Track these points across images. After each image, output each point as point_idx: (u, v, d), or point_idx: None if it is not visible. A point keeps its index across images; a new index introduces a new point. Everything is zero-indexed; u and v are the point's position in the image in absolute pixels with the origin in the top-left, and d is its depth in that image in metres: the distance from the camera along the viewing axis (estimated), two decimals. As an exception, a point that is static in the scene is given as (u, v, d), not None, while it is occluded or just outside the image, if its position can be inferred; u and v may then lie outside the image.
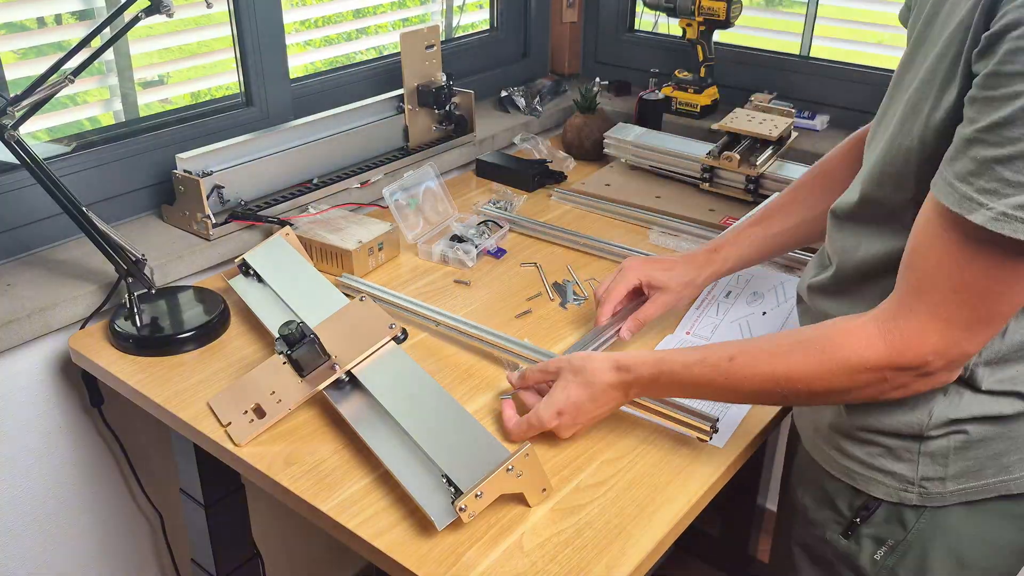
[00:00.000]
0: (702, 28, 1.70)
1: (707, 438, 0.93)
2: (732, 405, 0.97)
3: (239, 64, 1.44)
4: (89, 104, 1.37)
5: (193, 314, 1.16)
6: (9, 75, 1.18)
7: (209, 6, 1.08)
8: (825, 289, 0.91)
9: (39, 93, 1.01)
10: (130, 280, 1.14)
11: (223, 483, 1.17)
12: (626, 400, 0.93)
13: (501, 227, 1.40)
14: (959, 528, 0.85)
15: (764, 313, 1.11)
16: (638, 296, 1.13)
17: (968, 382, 0.80)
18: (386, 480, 0.90)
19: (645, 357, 0.90)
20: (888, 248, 0.81)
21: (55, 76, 1.01)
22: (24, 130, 1.04)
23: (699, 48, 1.73)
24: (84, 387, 1.22)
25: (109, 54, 1.31)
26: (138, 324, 1.13)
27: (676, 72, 1.78)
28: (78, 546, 1.33)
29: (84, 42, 1.01)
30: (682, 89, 1.77)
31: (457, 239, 1.36)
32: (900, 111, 0.80)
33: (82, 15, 1.31)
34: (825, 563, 0.93)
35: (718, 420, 0.92)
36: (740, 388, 0.84)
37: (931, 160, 0.73)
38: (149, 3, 1.01)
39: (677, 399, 0.94)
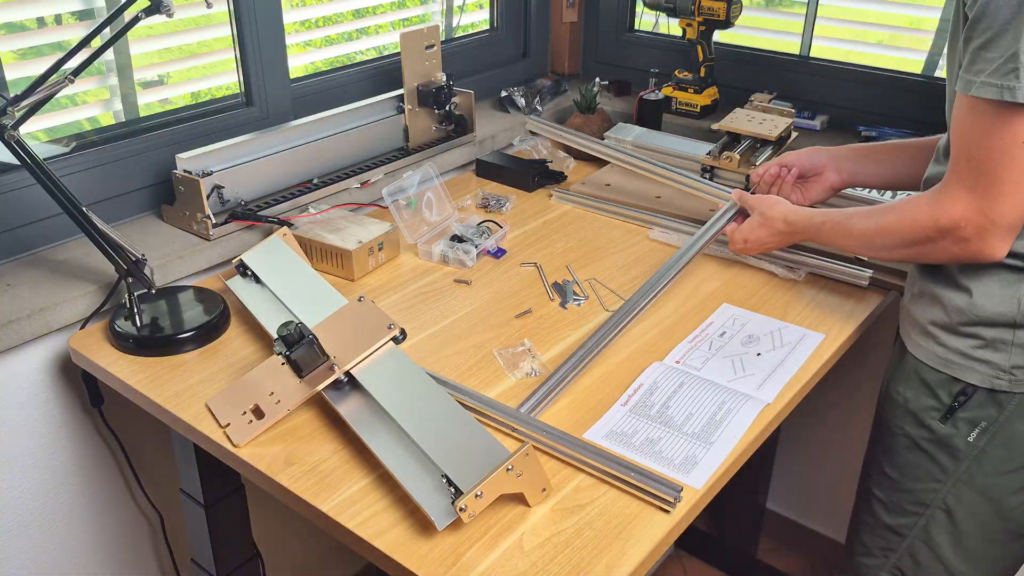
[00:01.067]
0: (702, 28, 1.70)
1: (669, 509, 0.86)
2: (712, 445, 0.95)
3: (239, 64, 1.44)
4: (89, 104, 1.37)
5: (193, 314, 1.16)
6: (9, 75, 1.18)
7: (209, 6, 1.08)
8: None
9: (39, 93, 1.01)
10: (130, 280, 1.14)
11: (223, 483, 1.17)
12: (792, 237, 1.19)
13: (501, 227, 1.41)
14: None
15: (759, 354, 1.10)
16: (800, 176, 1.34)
17: None
18: (386, 480, 0.90)
19: (803, 213, 1.17)
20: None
21: (55, 76, 1.01)
22: (24, 130, 1.04)
23: (699, 48, 1.73)
24: (84, 387, 1.22)
25: (109, 54, 1.31)
26: (138, 324, 1.13)
27: (676, 72, 1.78)
28: (78, 546, 1.33)
29: (84, 42, 1.01)
30: (682, 89, 1.77)
31: (457, 239, 1.36)
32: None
33: (82, 15, 1.31)
34: (921, 449, 1.07)
35: (681, 490, 0.87)
36: (854, 238, 1.08)
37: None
38: (149, 3, 1.01)
39: (637, 466, 0.89)
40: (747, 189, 1.38)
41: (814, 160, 1.31)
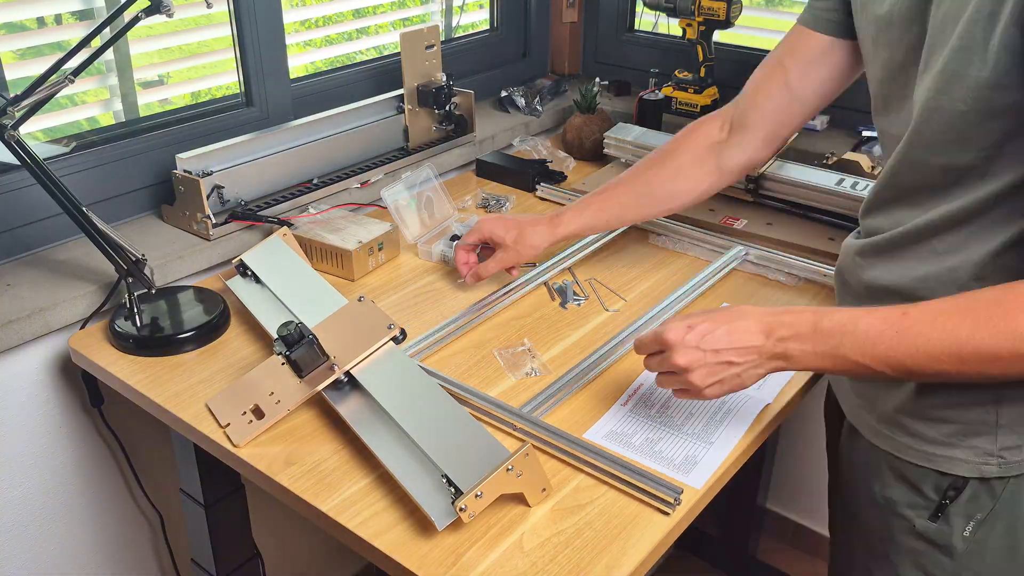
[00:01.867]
0: (702, 28, 1.70)
1: (669, 511, 0.85)
2: (712, 445, 0.93)
3: (239, 64, 1.44)
4: (89, 104, 1.37)
5: (193, 314, 1.16)
6: (9, 75, 1.18)
7: (209, 6, 1.08)
8: (879, 251, 0.89)
9: (39, 93, 1.01)
10: (130, 280, 1.14)
11: (223, 483, 1.17)
12: (764, 344, 0.82)
13: None
14: None
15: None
16: (490, 249, 1.23)
17: None
18: (386, 480, 0.90)
19: (801, 309, 0.83)
20: (955, 206, 0.80)
21: (55, 76, 1.01)
22: (24, 130, 1.04)
23: (699, 48, 1.73)
24: (84, 387, 1.22)
25: (109, 54, 1.31)
26: (138, 324, 1.13)
27: (676, 72, 1.78)
28: (78, 546, 1.33)
29: (84, 42, 1.01)
30: (682, 89, 1.77)
31: (457, 239, 1.36)
32: (933, 82, 0.79)
33: (82, 15, 1.31)
34: (912, 551, 0.91)
35: (681, 492, 0.85)
36: (914, 351, 0.75)
37: (993, 116, 0.75)
38: (149, 3, 1.01)
39: (637, 467, 0.88)
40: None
41: (507, 227, 1.19)
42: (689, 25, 1.71)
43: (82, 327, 1.17)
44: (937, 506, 0.88)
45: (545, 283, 1.28)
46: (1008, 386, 0.81)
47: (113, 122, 1.36)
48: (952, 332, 0.74)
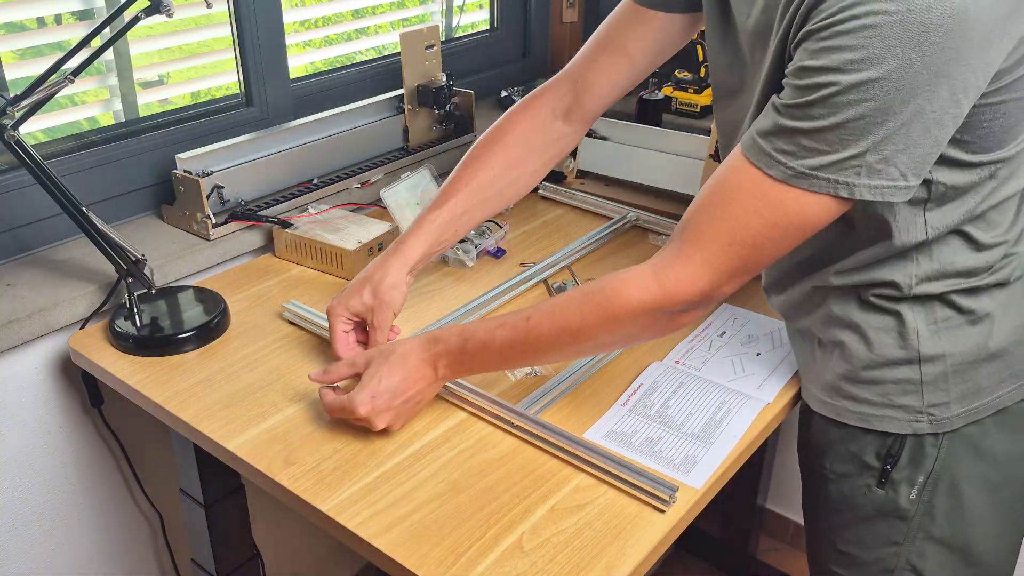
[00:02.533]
0: (703, 28, 1.69)
1: (664, 508, 0.86)
2: (712, 445, 0.94)
3: (239, 64, 1.44)
4: (89, 104, 1.37)
5: (193, 314, 1.16)
6: (9, 75, 1.18)
7: (209, 6, 1.08)
8: (767, 289, 1.06)
9: (39, 93, 1.01)
10: (130, 280, 1.14)
11: (223, 483, 1.17)
12: (436, 377, 0.94)
13: (501, 227, 1.40)
14: (977, 448, 0.92)
15: (759, 354, 1.09)
16: (363, 329, 1.08)
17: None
18: (386, 480, 0.90)
19: (451, 329, 0.94)
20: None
21: (55, 76, 1.01)
22: (24, 130, 1.04)
23: (699, 48, 1.73)
24: (84, 387, 1.22)
25: (109, 54, 1.31)
26: (138, 324, 1.13)
27: (676, 72, 1.78)
28: (78, 546, 1.33)
29: (84, 42, 1.01)
30: (682, 89, 1.77)
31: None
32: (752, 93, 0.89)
33: (82, 15, 1.31)
34: (869, 519, 0.97)
35: (677, 489, 0.86)
36: (540, 345, 0.89)
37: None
38: (149, 3, 1.01)
39: (634, 465, 0.89)
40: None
41: (365, 299, 1.05)
42: None
43: (82, 327, 1.17)
44: (881, 472, 0.94)
45: (544, 281, 1.28)
46: (926, 346, 0.89)
47: (113, 122, 1.36)
48: (565, 322, 0.87)
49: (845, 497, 0.99)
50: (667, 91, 1.78)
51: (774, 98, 0.77)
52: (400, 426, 0.96)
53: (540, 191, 1.59)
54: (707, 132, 1.65)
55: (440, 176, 1.43)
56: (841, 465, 0.98)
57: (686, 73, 1.77)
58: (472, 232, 1.37)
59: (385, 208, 1.37)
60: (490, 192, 1.11)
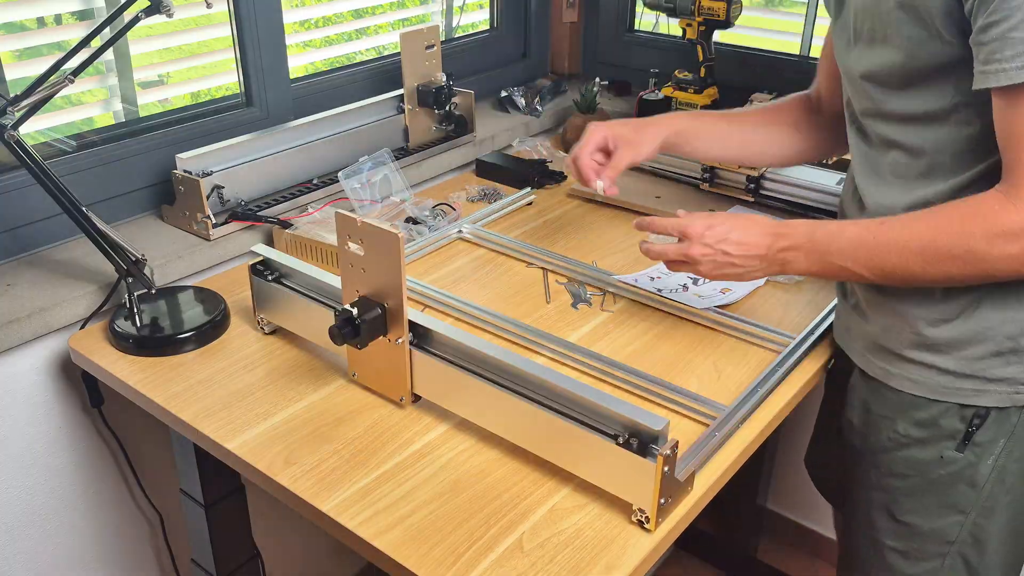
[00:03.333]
0: (702, 28, 1.69)
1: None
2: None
3: (239, 64, 1.44)
4: (89, 104, 1.37)
5: (193, 314, 1.16)
6: (9, 75, 1.18)
7: (209, 6, 1.08)
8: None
9: (39, 93, 1.01)
10: (130, 280, 1.14)
11: (223, 483, 1.17)
12: (767, 253, 0.94)
13: (454, 209, 1.43)
14: None
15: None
16: (607, 154, 1.18)
17: None
18: (386, 480, 0.90)
19: (800, 221, 0.95)
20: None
21: (54, 76, 1.01)
22: (23, 130, 1.04)
23: (699, 48, 1.73)
24: (84, 387, 1.22)
25: (109, 54, 1.31)
26: (138, 324, 1.13)
27: (676, 72, 1.78)
28: (78, 546, 1.33)
29: (84, 42, 1.01)
30: (682, 89, 1.77)
31: (412, 221, 1.38)
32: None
33: (82, 15, 1.31)
34: (937, 486, 0.96)
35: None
36: (888, 253, 0.86)
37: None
38: (149, 3, 1.01)
39: (682, 390, 0.93)
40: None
41: (622, 123, 1.18)
42: (689, 25, 1.71)
43: (82, 327, 1.17)
44: (964, 434, 0.92)
45: (546, 286, 1.28)
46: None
47: (113, 122, 1.36)
48: (918, 235, 0.84)
49: (916, 462, 0.97)
50: (667, 91, 1.78)
51: (972, 37, 0.78)
52: (714, 278, 0.98)
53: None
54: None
55: (442, 176, 1.43)
56: (915, 430, 0.96)
57: (686, 73, 1.77)
58: (427, 214, 1.40)
59: (387, 206, 1.37)
60: (744, 151, 1.20)
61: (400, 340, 0.96)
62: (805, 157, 1.22)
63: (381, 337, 0.97)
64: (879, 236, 0.87)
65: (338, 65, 1.67)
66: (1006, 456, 0.93)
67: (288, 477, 0.91)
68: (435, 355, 0.96)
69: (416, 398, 1.01)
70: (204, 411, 1.01)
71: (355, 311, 0.93)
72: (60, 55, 1.01)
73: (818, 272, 0.93)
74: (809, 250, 0.92)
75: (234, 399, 1.02)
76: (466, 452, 0.94)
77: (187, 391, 1.04)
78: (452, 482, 0.90)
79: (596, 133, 1.17)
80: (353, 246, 0.94)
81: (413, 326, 0.97)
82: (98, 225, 1.10)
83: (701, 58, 1.73)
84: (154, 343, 1.11)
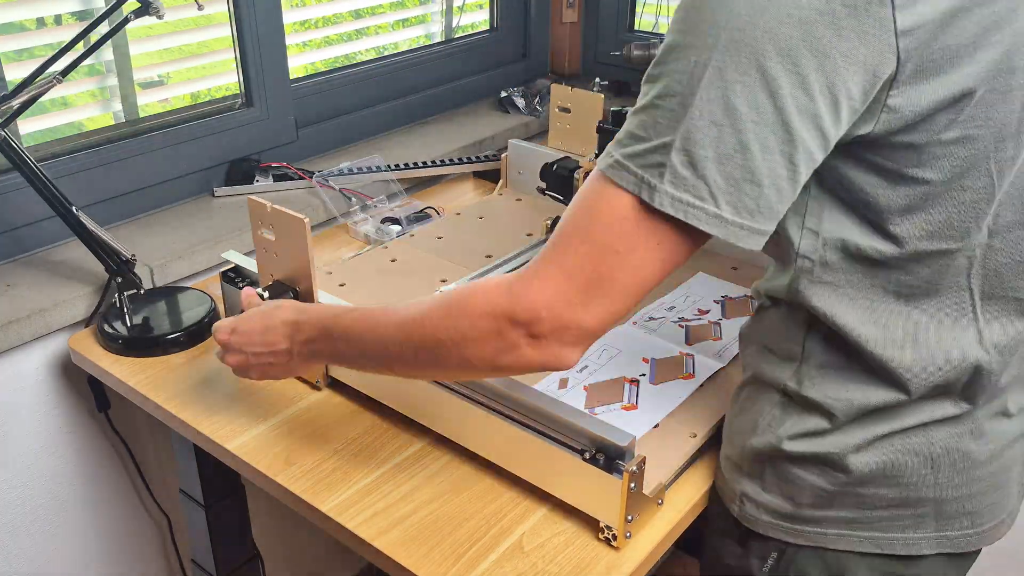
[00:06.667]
0: None
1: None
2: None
3: (239, 64, 1.44)
4: (89, 104, 1.37)
5: (183, 315, 1.16)
6: (9, 75, 1.18)
7: (200, 8, 1.08)
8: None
9: (26, 94, 1.01)
10: (119, 280, 1.14)
11: (223, 483, 1.17)
12: (291, 347, 0.85)
13: (439, 214, 1.45)
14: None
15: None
16: None
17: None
18: (387, 480, 0.90)
19: (325, 307, 0.87)
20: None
21: (41, 78, 1.01)
22: (23, 130, 1.04)
23: None
24: (91, 392, 1.22)
25: (109, 54, 1.31)
26: (128, 324, 1.12)
27: None
28: (85, 549, 1.33)
29: (70, 44, 1.01)
30: None
31: (390, 221, 1.41)
32: None
33: (81, 15, 1.30)
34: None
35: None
36: (384, 339, 0.77)
37: None
38: (139, 4, 1.01)
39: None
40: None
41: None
42: None
43: (86, 326, 1.17)
44: (742, 531, 0.85)
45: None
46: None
47: (113, 122, 1.35)
48: (411, 311, 0.75)
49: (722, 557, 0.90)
50: None
51: None
52: (254, 377, 0.90)
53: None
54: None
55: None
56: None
57: None
58: (411, 217, 1.42)
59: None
60: None
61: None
62: None
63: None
64: (377, 324, 0.78)
65: (338, 65, 1.67)
66: (783, 569, 0.83)
67: (288, 477, 0.90)
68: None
69: (332, 381, 1.03)
70: (204, 411, 1.00)
71: (267, 295, 0.96)
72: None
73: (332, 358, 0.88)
74: (320, 339, 0.83)
75: (234, 399, 1.02)
76: (466, 452, 0.93)
77: (187, 391, 1.04)
78: (452, 482, 0.90)
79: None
80: (265, 232, 0.96)
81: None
82: (87, 225, 1.10)
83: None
84: (143, 344, 1.11)
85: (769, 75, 0.59)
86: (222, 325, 0.90)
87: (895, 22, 0.59)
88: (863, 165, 0.67)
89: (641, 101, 0.65)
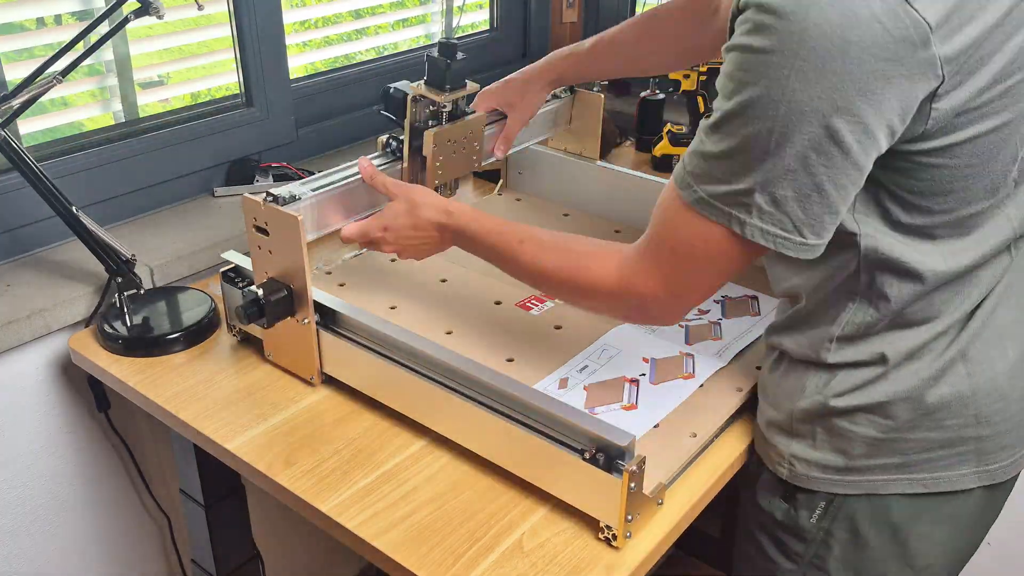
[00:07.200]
0: (703, 78, 1.55)
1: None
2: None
3: (239, 64, 1.44)
4: (89, 104, 1.37)
5: (183, 315, 1.16)
6: (9, 76, 1.18)
7: (200, 8, 1.08)
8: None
9: (26, 94, 1.01)
10: (119, 280, 1.14)
11: (223, 483, 1.17)
12: (441, 243, 1.01)
13: None
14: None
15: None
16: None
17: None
18: (386, 480, 0.90)
19: (469, 210, 0.99)
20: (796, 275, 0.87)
21: (41, 78, 1.01)
22: (23, 131, 1.04)
23: (700, 99, 1.58)
24: (91, 392, 1.22)
25: (109, 55, 1.31)
26: (127, 324, 1.12)
27: (669, 126, 1.63)
28: (85, 550, 1.33)
29: (70, 45, 1.01)
30: (679, 144, 1.60)
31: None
32: None
33: (81, 15, 1.30)
34: (775, 539, 0.94)
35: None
36: (520, 270, 0.94)
37: None
38: (139, 5, 1.01)
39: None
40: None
41: (507, 95, 1.32)
42: (687, 76, 1.56)
43: (86, 326, 1.17)
44: (785, 487, 0.91)
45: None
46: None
47: (113, 122, 1.36)
48: (545, 264, 0.91)
49: (750, 508, 0.98)
50: (661, 148, 1.62)
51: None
52: (406, 258, 1.05)
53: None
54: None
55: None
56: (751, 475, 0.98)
57: (679, 127, 1.67)
58: None
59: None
60: (637, 65, 1.31)
61: (306, 320, 0.99)
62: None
63: (289, 318, 1.00)
64: (515, 255, 0.93)
65: (338, 65, 1.67)
66: (829, 520, 0.89)
67: (288, 477, 0.90)
68: (343, 336, 0.98)
69: (327, 378, 1.03)
70: (204, 411, 1.00)
71: (260, 292, 0.97)
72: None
73: (477, 254, 1.00)
74: (462, 242, 1.00)
75: (234, 399, 1.02)
76: (466, 452, 0.93)
77: (187, 391, 1.04)
78: (452, 483, 0.90)
79: (484, 104, 1.30)
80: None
81: (320, 307, 1.00)
82: (87, 225, 1.10)
83: (703, 110, 1.57)
84: (143, 344, 1.11)
85: (832, 129, 0.68)
86: (373, 226, 1.02)
87: (939, 58, 0.67)
88: (908, 159, 0.74)
89: (710, 147, 0.74)
